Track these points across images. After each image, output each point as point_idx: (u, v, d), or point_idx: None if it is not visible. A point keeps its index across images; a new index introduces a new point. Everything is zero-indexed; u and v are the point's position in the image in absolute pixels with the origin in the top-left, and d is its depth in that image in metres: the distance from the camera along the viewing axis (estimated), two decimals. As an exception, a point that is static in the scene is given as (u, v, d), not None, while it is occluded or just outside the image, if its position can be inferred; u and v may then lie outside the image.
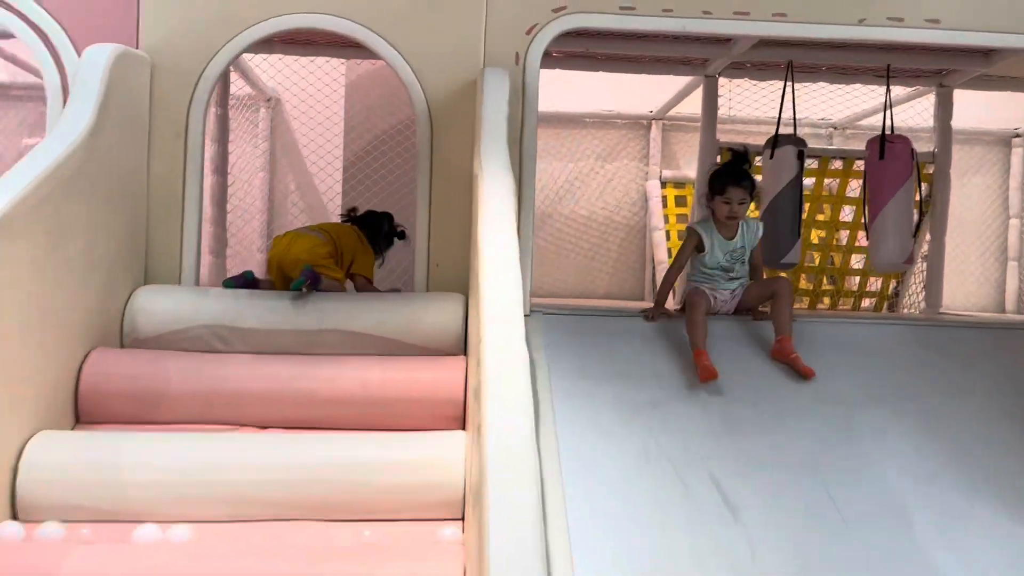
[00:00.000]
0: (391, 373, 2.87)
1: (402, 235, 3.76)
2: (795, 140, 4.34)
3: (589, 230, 6.37)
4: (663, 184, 6.32)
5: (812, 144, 5.13)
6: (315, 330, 3.08)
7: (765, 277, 3.89)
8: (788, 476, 2.78)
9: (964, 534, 2.59)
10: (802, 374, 3.21)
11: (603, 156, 6.42)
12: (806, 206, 5.15)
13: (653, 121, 6.39)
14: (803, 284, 5.46)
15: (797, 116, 6.17)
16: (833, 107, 5.99)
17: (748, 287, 3.70)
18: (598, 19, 3.46)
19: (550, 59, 4.81)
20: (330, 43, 4.49)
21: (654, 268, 6.15)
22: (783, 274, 4.44)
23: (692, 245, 3.66)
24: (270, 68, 5.55)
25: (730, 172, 3.66)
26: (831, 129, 6.40)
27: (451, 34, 3.42)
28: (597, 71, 4.87)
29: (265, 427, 2.79)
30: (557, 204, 6.34)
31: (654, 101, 6.15)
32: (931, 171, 4.98)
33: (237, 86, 5.53)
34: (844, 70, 4.83)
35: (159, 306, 3.08)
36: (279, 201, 6.01)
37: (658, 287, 3.80)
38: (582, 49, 4.54)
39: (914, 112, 5.47)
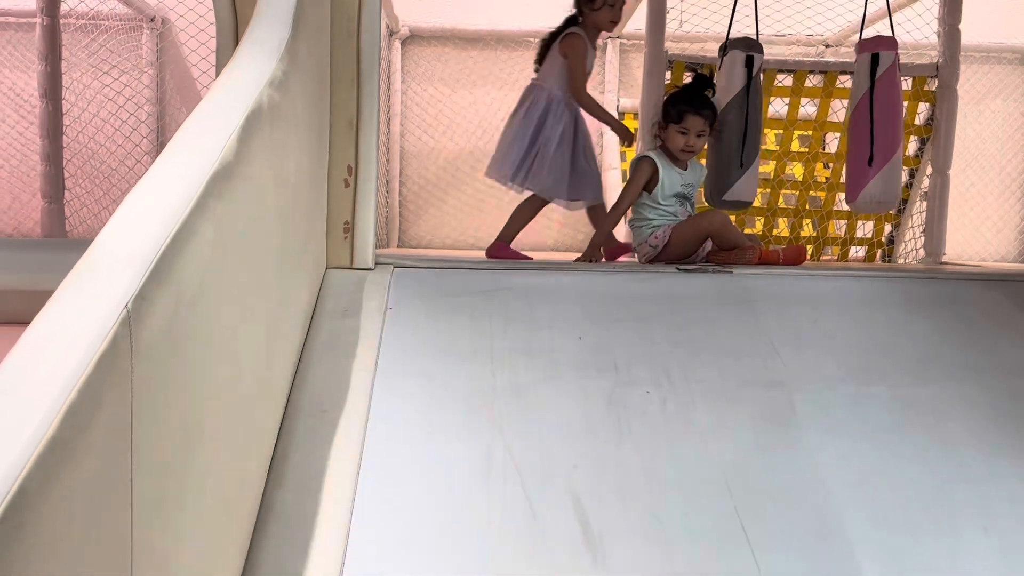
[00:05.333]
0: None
1: None
2: (746, 43, 3.42)
3: (536, 171, 5.45)
4: (620, 115, 5.38)
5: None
6: None
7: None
8: (685, 498, 1.93)
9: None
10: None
11: (552, 83, 5.46)
12: (778, 133, 4.26)
13: (609, 40, 5.43)
14: (782, 230, 4.55)
15: (781, 32, 5.26)
16: (827, 20, 5.03)
17: (676, 228, 2.99)
18: None
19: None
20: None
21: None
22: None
23: (645, 177, 3.11)
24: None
25: (690, 98, 3.12)
26: (823, 47, 5.41)
27: None
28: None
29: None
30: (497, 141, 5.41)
31: (610, 16, 5.18)
32: (934, 88, 4.04)
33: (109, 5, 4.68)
34: (823, -41, 3.86)
35: None
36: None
37: (602, 225, 3.37)
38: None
39: (922, 22, 4.49)
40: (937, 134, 4.03)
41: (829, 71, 4.09)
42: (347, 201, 2.59)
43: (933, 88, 4.05)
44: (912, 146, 4.23)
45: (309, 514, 1.79)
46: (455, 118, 5.40)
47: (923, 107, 4.14)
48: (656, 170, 3.13)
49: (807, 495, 1.95)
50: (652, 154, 3.16)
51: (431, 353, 2.31)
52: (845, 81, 4.05)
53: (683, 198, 3.17)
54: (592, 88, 5.54)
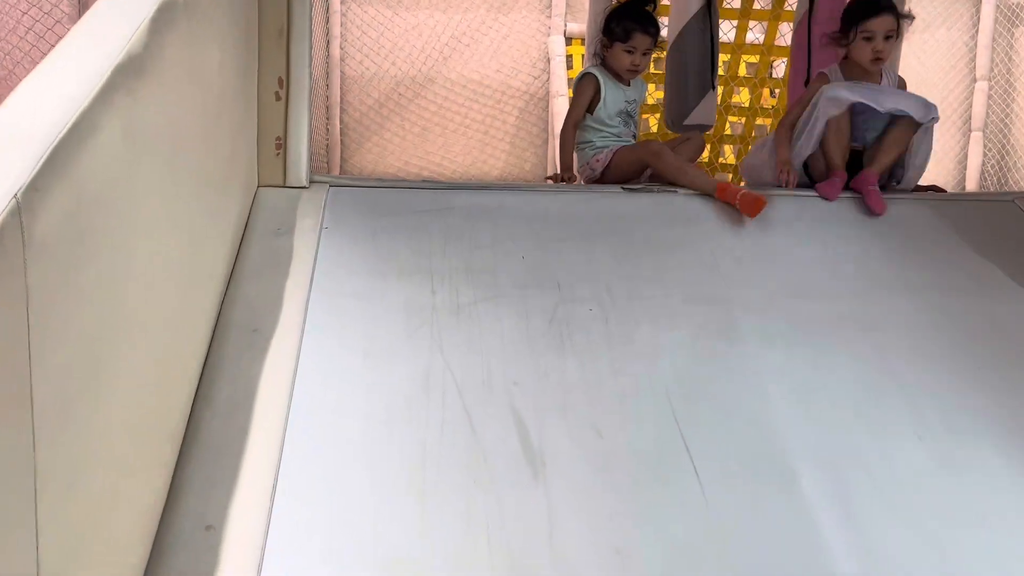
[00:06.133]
0: None
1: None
2: (701, -41, 3.33)
3: (481, 98, 5.34)
4: (568, 41, 5.26)
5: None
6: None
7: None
8: (626, 412, 1.92)
9: (868, 500, 1.76)
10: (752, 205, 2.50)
11: (497, 6, 5.32)
12: (725, 58, 4.20)
13: (557, -38, 5.29)
14: (728, 157, 4.54)
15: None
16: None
17: (618, 152, 2.91)
18: None
19: None
20: None
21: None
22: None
23: (589, 94, 2.98)
24: None
25: (636, 14, 2.95)
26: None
27: None
28: None
29: None
30: (442, 66, 5.28)
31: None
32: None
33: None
34: None
35: None
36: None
37: (559, 150, 3.18)
38: None
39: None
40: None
41: (777, -7, 4.03)
42: (278, 115, 2.47)
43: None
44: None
45: (238, 436, 1.73)
46: (398, 42, 5.22)
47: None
48: (598, 87, 3.00)
49: (746, 406, 1.95)
50: (594, 70, 3.03)
51: (368, 272, 2.24)
52: (793, 3, 3.99)
53: (627, 116, 3.05)
54: (539, 11, 5.42)
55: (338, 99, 5.22)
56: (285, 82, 2.46)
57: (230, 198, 2.13)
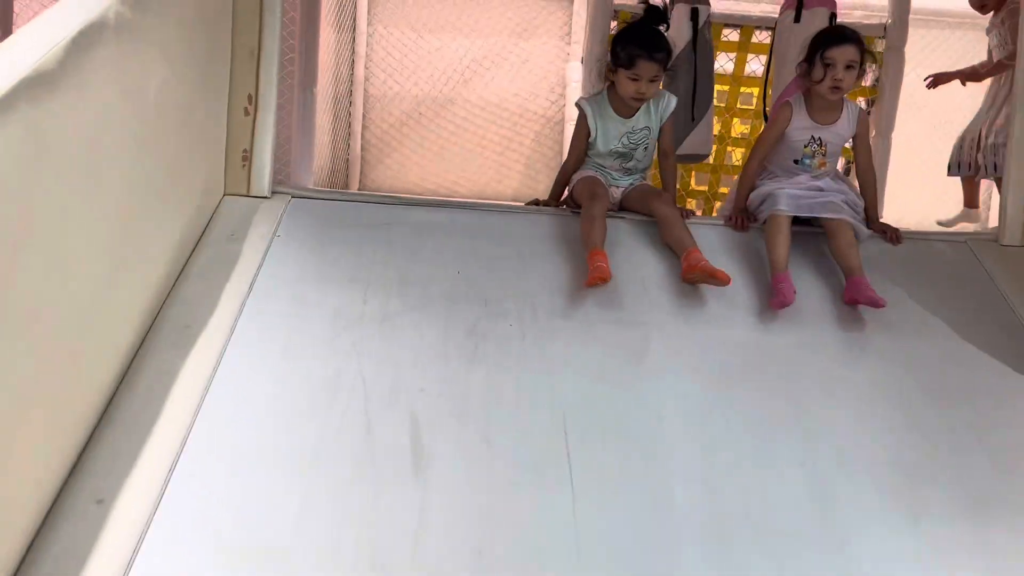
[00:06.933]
0: None
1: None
2: (691, -5, 3.42)
3: (499, 120, 5.48)
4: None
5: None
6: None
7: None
8: (520, 425, 2.00)
9: (738, 524, 1.80)
10: (720, 280, 2.37)
11: (518, 32, 5.46)
12: (725, 89, 4.25)
13: (577, -11, 5.41)
14: (723, 188, 4.55)
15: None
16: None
17: (634, 189, 2.82)
18: None
19: None
20: None
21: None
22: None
23: (584, 132, 2.79)
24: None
25: (642, 39, 2.68)
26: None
27: None
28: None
29: None
30: (462, 88, 5.44)
31: (577, -35, 5.16)
32: (882, 49, 4.00)
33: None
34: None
35: None
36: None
37: (555, 179, 3.02)
38: None
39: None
40: (881, 97, 4.00)
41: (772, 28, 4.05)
42: (246, 130, 2.64)
43: (881, 49, 4.01)
44: (861, 108, 4.19)
45: (149, 420, 1.88)
46: (421, 63, 5.42)
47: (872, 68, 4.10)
48: (590, 122, 2.76)
49: (638, 426, 2.02)
50: (587, 105, 2.78)
51: (309, 279, 2.38)
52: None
53: (622, 154, 2.79)
54: (558, 38, 5.55)
55: (360, 116, 5.43)
56: (254, 99, 2.64)
57: (173, 206, 2.26)
